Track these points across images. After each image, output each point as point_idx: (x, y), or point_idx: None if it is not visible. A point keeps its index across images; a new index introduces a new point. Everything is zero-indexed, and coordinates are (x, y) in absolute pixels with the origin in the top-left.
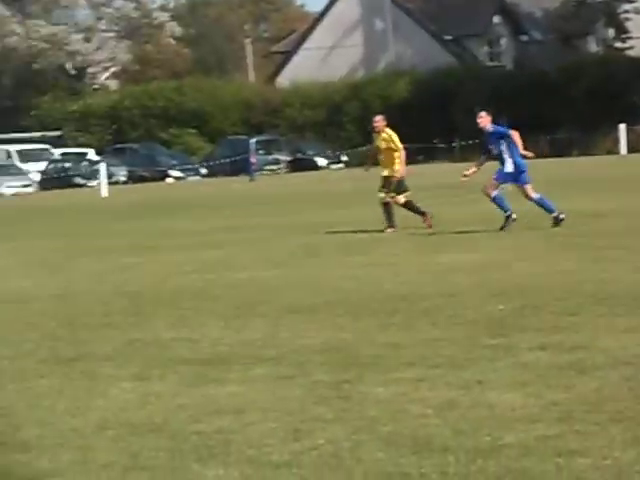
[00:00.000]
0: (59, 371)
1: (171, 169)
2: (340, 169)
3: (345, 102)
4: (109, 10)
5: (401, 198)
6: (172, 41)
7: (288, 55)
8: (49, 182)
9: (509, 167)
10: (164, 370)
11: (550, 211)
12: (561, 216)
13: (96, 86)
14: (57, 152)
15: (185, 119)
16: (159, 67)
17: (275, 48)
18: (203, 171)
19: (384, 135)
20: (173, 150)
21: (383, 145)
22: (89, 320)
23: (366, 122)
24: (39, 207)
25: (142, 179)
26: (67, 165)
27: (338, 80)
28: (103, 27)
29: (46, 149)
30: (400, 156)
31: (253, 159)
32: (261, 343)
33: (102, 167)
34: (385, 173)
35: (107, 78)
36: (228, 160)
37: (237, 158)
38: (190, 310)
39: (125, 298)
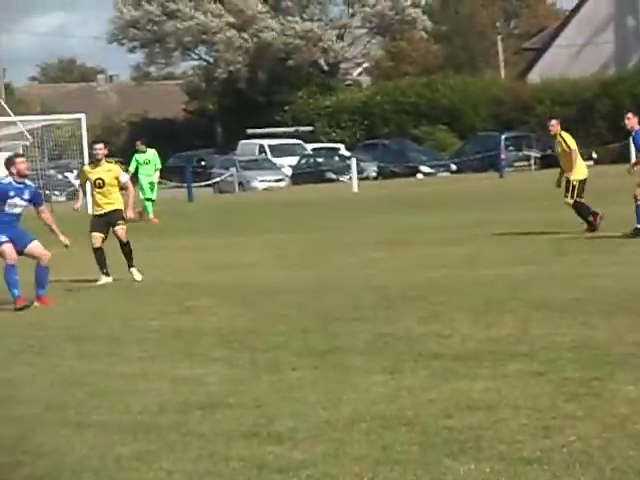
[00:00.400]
0: (311, 364)
1: (421, 165)
2: (590, 166)
3: (596, 99)
4: (363, 7)
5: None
6: (424, 36)
7: (539, 52)
8: (301, 177)
9: None
10: (415, 364)
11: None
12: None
13: (348, 82)
14: (309, 147)
15: (436, 115)
16: (411, 63)
17: (527, 45)
18: (453, 167)
19: (559, 139)
20: (424, 146)
21: (559, 149)
22: (340, 314)
23: (617, 119)
24: (291, 201)
25: (392, 175)
26: (319, 160)
27: (589, 77)
28: (357, 24)
29: (299, 144)
30: (575, 158)
31: (503, 155)
32: (511, 339)
33: (353, 162)
34: (568, 176)
35: (359, 74)
36: (478, 156)
37: (487, 154)
38: (440, 305)
39: (375, 292)
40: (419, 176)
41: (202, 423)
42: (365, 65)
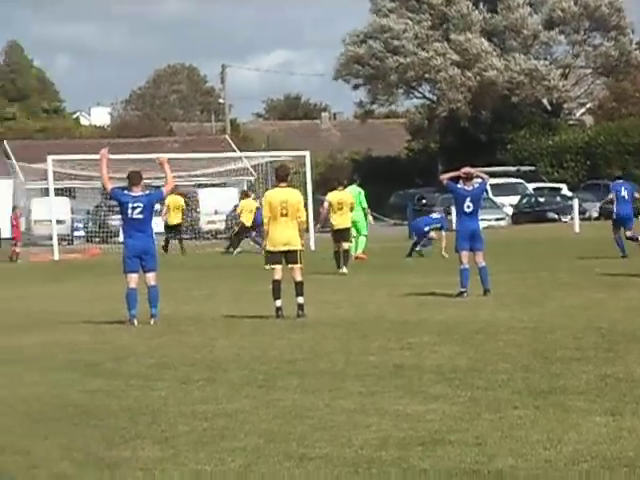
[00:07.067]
0: (532, 403)
1: None
2: None
3: None
4: (587, 48)
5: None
6: None
7: None
8: (522, 216)
9: None
10: (637, 406)
11: None
12: None
13: (571, 122)
14: (531, 186)
15: None
16: (635, 104)
17: None
18: None
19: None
20: None
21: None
22: (562, 354)
23: None
24: (512, 240)
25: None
26: (540, 200)
27: None
28: (581, 64)
29: (520, 183)
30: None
31: None
32: None
33: (575, 203)
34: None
35: (582, 114)
36: None
37: None
38: None
39: (596, 333)
40: None
41: (423, 459)
42: (588, 105)
